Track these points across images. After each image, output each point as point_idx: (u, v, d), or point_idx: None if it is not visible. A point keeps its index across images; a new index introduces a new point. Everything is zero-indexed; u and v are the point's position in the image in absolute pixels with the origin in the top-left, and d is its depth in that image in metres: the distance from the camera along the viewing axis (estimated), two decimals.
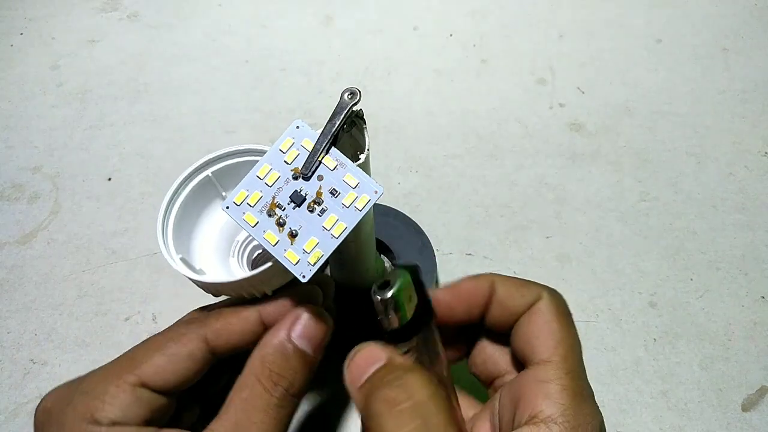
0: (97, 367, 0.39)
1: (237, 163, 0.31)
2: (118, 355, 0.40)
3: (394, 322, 0.23)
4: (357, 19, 0.63)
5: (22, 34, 0.63)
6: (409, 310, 0.23)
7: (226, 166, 0.30)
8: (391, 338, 0.23)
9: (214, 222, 0.32)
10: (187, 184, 0.30)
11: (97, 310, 0.42)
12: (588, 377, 0.37)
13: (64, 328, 0.41)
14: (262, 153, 0.31)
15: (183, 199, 0.29)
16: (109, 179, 0.50)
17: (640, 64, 0.57)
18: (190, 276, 0.26)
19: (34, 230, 0.47)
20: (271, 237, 0.24)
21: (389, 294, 0.22)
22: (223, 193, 0.31)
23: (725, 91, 0.55)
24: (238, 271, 0.31)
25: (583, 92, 0.55)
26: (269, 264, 0.25)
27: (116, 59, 0.60)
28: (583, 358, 0.38)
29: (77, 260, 0.45)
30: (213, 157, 0.30)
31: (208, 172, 0.30)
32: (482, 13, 0.63)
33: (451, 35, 0.61)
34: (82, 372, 0.38)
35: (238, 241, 0.32)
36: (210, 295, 0.29)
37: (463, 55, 0.59)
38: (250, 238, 0.33)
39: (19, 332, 0.41)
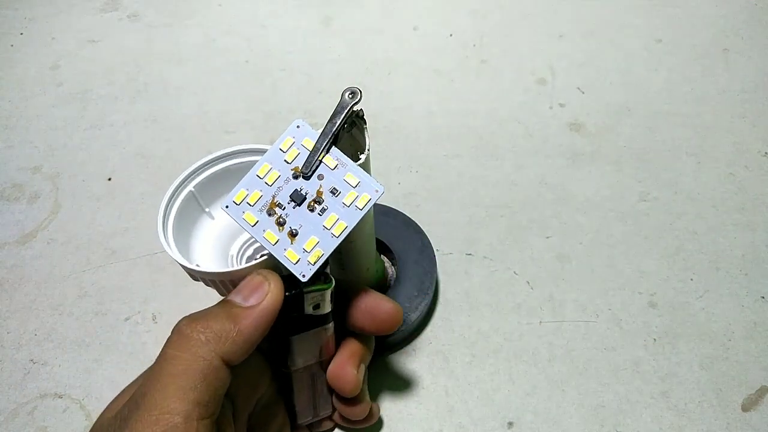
0: (96, 367, 0.39)
1: (221, 169, 0.31)
2: (118, 357, 0.40)
3: (328, 306, 0.27)
4: (357, 19, 0.63)
5: (22, 34, 0.63)
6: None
7: (208, 176, 0.31)
8: (316, 321, 0.27)
9: (206, 237, 0.32)
10: (174, 200, 0.30)
11: (97, 310, 0.42)
12: (588, 377, 0.38)
13: (64, 328, 0.41)
14: (244, 154, 0.31)
15: (173, 217, 0.29)
16: (109, 179, 0.50)
17: (640, 64, 0.57)
18: (187, 265, 0.26)
19: (34, 230, 0.47)
20: (270, 236, 0.24)
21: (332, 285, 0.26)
22: (206, 209, 0.31)
23: (725, 91, 0.55)
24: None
25: (583, 92, 0.55)
26: (264, 257, 0.25)
27: (116, 59, 0.60)
28: (584, 357, 0.38)
29: (77, 260, 0.45)
30: (195, 168, 0.30)
31: (190, 187, 0.30)
32: (482, 13, 0.63)
33: (451, 35, 0.61)
34: (82, 372, 0.39)
35: (231, 255, 0.32)
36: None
37: (463, 55, 0.59)
38: (243, 249, 0.33)
39: (19, 332, 0.41)
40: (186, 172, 0.30)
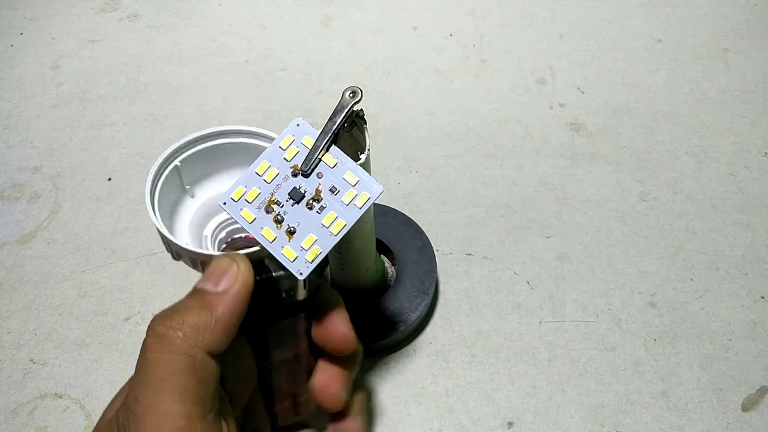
0: (96, 367, 0.39)
1: (211, 147, 0.31)
2: (118, 357, 0.40)
3: (302, 293, 0.26)
4: (357, 19, 0.63)
5: (22, 34, 0.63)
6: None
7: (196, 152, 0.31)
8: (295, 308, 0.27)
9: (184, 217, 0.31)
10: (160, 175, 0.29)
11: (97, 310, 0.42)
12: (588, 377, 0.38)
13: (64, 328, 0.41)
14: (230, 134, 0.31)
15: (158, 193, 0.29)
16: (109, 179, 0.50)
17: (640, 64, 0.57)
18: (171, 239, 0.26)
19: (34, 230, 0.47)
20: (268, 233, 0.24)
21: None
22: (186, 186, 0.31)
23: (725, 91, 0.55)
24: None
25: (583, 92, 0.55)
26: (255, 248, 0.25)
27: (116, 59, 0.60)
28: (584, 357, 0.38)
29: (77, 260, 0.45)
30: (182, 144, 0.30)
31: (176, 161, 0.30)
32: (482, 13, 0.63)
33: (451, 35, 0.61)
34: (82, 372, 0.39)
35: (205, 236, 0.32)
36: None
37: (463, 55, 0.59)
38: (216, 231, 0.32)
39: (19, 332, 0.41)
40: (174, 146, 0.30)
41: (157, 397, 0.21)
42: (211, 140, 0.31)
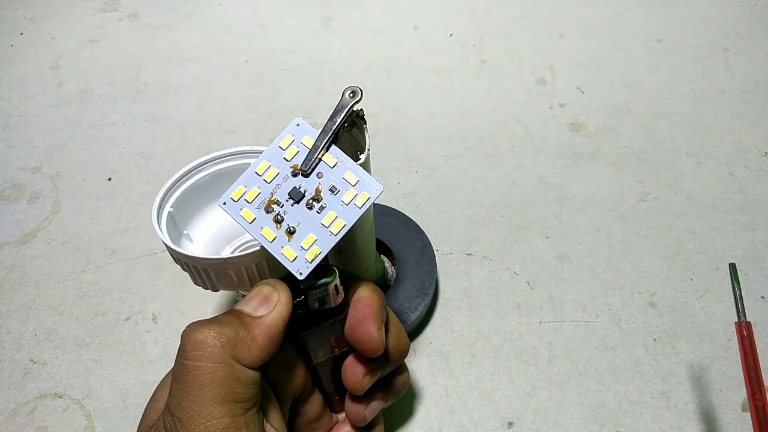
0: (96, 367, 0.39)
1: (190, 185, 0.31)
2: (118, 357, 0.40)
3: (337, 299, 0.27)
4: (357, 19, 0.63)
5: (22, 34, 0.63)
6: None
7: (180, 194, 0.30)
8: (329, 314, 0.27)
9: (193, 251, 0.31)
10: (160, 218, 0.29)
11: (97, 310, 0.42)
12: (588, 377, 0.38)
13: (64, 328, 0.41)
14: (206, 165, 0.30)
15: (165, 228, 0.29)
16: (109, 179, 0.50)
17: (640, 64, 0.57)
18: (179, 250, 0.26)
19: (34, 230, 0.47)
20: (268, 233, 0.24)
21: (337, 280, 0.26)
22: (185, 232, 0.31)
23: (725, 91, 0.55)
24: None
25: (583, 92, 0.55)
26: (256, 248, 0.25)
27: (116, 59, 0.60)
28: (584, 357, 0.38)
29: (77, 260, 0.45)
30: (169, 185, 0.30)
31: (168, 208, 0.30)
32: (482, 13, 0.63)
33: (451, 35, 0.61)
34: (82, 372, 0.39)
35: None
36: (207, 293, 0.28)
37: (463, 55, 0.59)
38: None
39: (19, 332, 0.41)
40: (164, 189, 0.29)
41: (200, 402, 0.22)
42: (191, 177, 0.31)
